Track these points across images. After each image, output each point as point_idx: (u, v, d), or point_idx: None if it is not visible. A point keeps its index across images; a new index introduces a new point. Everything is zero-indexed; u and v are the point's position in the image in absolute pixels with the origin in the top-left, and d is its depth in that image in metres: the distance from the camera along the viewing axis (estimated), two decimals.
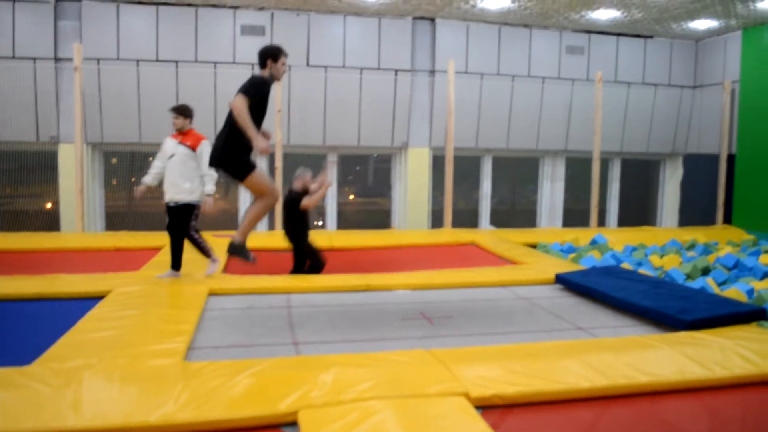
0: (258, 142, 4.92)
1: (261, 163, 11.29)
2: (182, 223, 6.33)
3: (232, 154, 4.95)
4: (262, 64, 5.42)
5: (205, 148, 6.30)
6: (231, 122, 5.12)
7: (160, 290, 5.91)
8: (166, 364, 3.96)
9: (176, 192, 6.25)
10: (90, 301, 5.53)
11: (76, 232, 9.68)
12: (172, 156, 6.30)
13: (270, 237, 9.14)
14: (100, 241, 8.86)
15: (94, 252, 8.37)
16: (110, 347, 4.24)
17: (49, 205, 10.66)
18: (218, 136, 5.55)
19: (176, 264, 6.44)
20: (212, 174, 6.38)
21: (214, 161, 5.64)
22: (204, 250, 6.48)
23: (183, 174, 6.26)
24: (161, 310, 5.21)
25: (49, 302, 5.70)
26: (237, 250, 5.54)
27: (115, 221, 10.79)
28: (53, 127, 10.17)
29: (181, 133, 6.36)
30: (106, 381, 3.64)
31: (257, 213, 5.08)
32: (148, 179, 6.46)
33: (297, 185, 7.06)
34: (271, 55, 5.37)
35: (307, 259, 7.13)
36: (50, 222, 10.39)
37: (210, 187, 6.37)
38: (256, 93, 5.09)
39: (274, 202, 5.22)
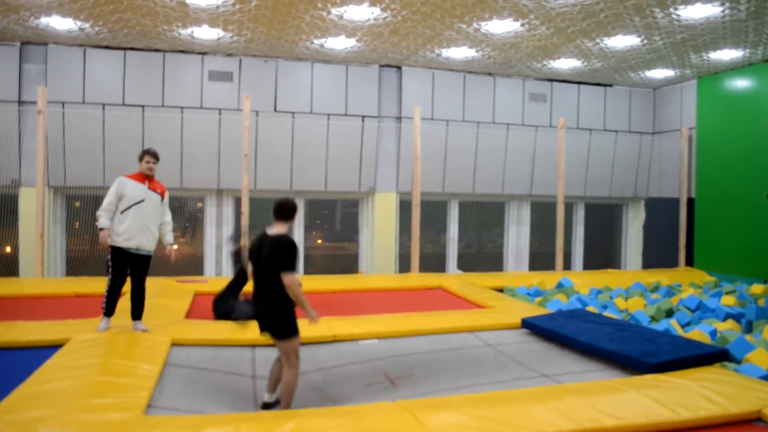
0: (314, 315, 4.85)
1: (228, 208, 11.23)
2: (145, 272, 6.15)
3: (283, 316, 4.77)
4: (288, 217, 5.13)
5: (168, 198, 6.31)
6: (273, 283, 4.81)
7: (120, 339, 5.75)
8: (125, 417, 3.83)
9: (147, 240, 6.02)
10: (48, 349, 5.35)
11: (35, 277, 9.44)
12: (141, 201, 6.02)
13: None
14: (60, 286, 8.64)
15: (54, 298, 8.14)
16: (67, 399, 4.09)
17: (8, 250, 10.39)
18: (261, 298, 5.14)
19: (138, 313, 6.20)
20: (172, 223, 6.33)
21: (264, 325, 4.92)
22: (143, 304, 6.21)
23: (154, 221, 6.09)
24: (122, 361, 5.06)
25: (5, 351, 5.50)
26: None
27: (76, 266, 10.56)
28: (15, 171, 10.00)
29: (147, 179, 6.17)
30: None
31: (291, 385, 4.82)
32: (108, 222, 5.93)
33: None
34: (293, 211, 5.14)
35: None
36: (9, 267, 10.11)
37: (172, 237, 6.29)
38: (296, 263, 4.92)
39: (297, 369, 4.98)
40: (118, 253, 5.97)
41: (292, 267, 4.65)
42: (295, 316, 4.73)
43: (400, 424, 3.75)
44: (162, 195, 6.22)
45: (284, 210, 4.98)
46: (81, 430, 3.57)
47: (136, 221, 5.95)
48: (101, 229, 5.92)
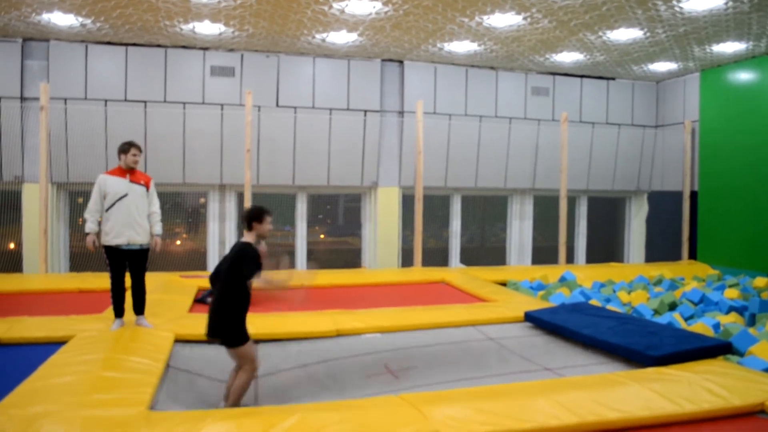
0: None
1: (230, 204, 11.24)
2: (143, 266, 6.14)
3: (232, 324, 4.76)
4: (247, 225, 5.11)
5: (154, 187, 6.26)
6: (227, 289, 4.80)
7: (124, 335, 5.76)
8: (130, 413, 3.84)
9: (137, 234, 5.97)
10: (52, 346, 5.36)
11: (39, 273, 9.46)
12: (125, 196, 5.96)
13: None
14: (63, 282, 8.67)
15: (58, 294, 8.17)
16: (71, 394, 4.11)
17: (11, 246, 10.41)
18: (214, 301, 5.17)
19: (140, 308, 6.20)
20: (160, 213, 6.27)
21: (211, 330, 4.88)
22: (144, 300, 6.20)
23: (141, 214, 6.04)
24: (125, 356, 5.07)
25: (9, 347, 5.52)
26: None
27: (80, 262, 10.57)
28: (18, 167, 10.01)
29: (129, 172, 6.07)
30: (66, 430, 3.52)
31: (243, 386, 4.85)
32: (95, 226, 5.97)
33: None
34: (255, 217, 5.09)
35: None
36: (13, 263, 10.14)
37: (160, 228, 6.23)
38: (258, 268, 4.86)
39: (254, 373, 4.99)
40: (110, 252, 5.97)
41: (250, 273, 4.57)
42: (244, 324, 4.70)
43: (404, 417, 3.76)
44: (146, 185, 6.15)
45: (245, 218, 4.91)
46: (84, 425, 3.58)
47: (121, 217, 5.91)
48: (87, 233, 5.93)
